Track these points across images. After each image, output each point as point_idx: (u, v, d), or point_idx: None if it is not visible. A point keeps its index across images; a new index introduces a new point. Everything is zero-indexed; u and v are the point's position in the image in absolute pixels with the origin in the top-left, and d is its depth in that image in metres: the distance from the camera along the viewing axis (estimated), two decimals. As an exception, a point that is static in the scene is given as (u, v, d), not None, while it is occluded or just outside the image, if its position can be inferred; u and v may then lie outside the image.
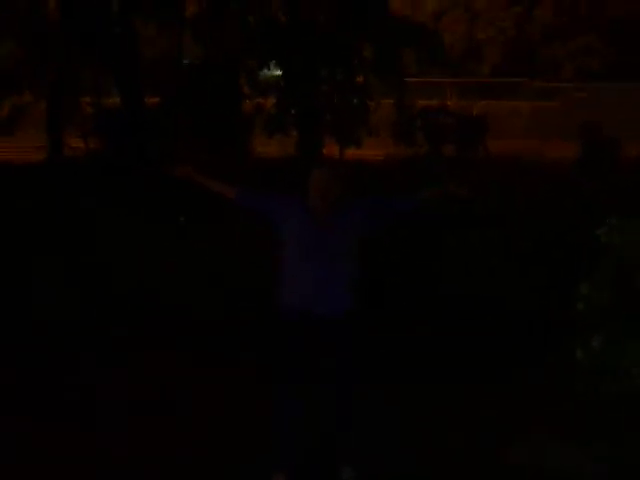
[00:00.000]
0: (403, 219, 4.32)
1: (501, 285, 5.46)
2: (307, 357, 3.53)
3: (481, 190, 6.72)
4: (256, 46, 12.13)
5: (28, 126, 13.38)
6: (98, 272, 6.25)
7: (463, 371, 4.85)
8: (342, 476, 3.57)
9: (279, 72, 12.54)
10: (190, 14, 13.27)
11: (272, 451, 3.59)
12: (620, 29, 24.96)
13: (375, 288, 5.39)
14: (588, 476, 3.67)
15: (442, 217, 5.77)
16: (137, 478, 3.71)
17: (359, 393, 3.65)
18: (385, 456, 3.85)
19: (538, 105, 20.21)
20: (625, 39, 24.33)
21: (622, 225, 3.92)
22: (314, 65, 11.28)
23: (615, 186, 7.25)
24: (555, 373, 4.19)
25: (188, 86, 11.56)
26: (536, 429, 4.13)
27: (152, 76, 12.99)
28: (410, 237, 5.84)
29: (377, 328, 5.08)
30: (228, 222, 7.03)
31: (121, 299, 5.97)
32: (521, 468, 3.79)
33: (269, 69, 12.27)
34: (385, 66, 11.79)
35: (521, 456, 3.92)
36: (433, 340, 5.18)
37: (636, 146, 13.87)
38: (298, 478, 3.56)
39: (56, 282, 6.09)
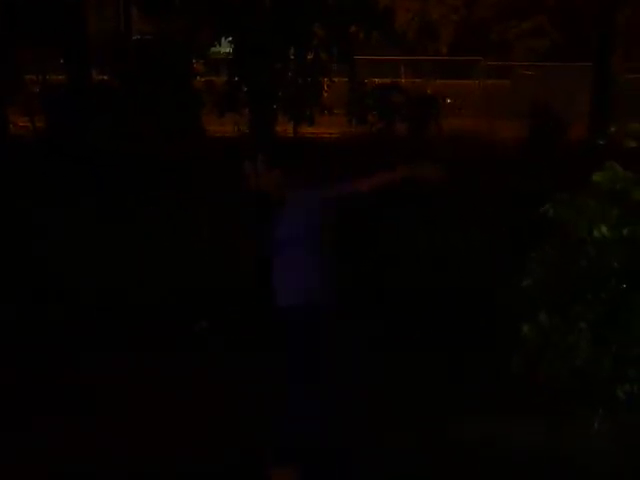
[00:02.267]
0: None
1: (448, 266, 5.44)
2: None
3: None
4: (207, 22, 11.80)
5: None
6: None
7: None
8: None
9: (230, 49, 12.24)
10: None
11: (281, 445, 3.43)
12: (569, 10, 25.28)
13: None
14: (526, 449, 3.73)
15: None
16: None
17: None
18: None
19: (490, 84, 20.31)
20: (574, 21, 24.65)
21: (568, 200, 3.90)
22: (266, 42, 11.02)
23: (559, 165, 7.31)
24: (502, 350, 4.18)
25: (138, 63, 11.19)
26: (484, 405, 4.15)
27: (100, 53, 12.59)
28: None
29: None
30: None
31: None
32: (469, 442, 3.81)
33: (220, 45, 11.93)
34: (335, 43, 11.60)
35: (469, 431, 3.94)
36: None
37: (581, 126, 14.09)
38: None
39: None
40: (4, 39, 12.02)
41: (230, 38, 11.90)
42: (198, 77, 11.64)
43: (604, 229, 3.64)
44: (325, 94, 11.83)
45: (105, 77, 12.31)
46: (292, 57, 11.48)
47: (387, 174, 3.41)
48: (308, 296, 3.36)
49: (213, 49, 11.86)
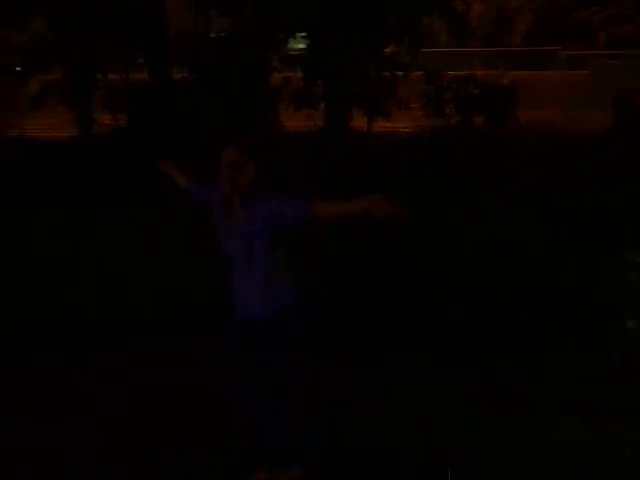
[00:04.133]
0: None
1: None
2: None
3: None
4: (282, 18, 11.94)
5: (58, 103, 13.39)
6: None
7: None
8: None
9: (305, 45, 12.35)
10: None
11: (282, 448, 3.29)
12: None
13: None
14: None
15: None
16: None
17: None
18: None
19: (569, 74, 19.66)
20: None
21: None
22: (340, 36, 11.06)
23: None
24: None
25: (215, 60, 11.44)
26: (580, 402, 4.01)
27: (180, 51, 12.92)
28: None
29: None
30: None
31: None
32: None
33: (295, 38, 12.06)
34: (408, 35, 11.52)
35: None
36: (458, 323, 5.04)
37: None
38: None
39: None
40: (90, 39, 12.53)
41: (304, 34, 12.04)
42: (275, 73, 11.82)
43: None
44: (401, 88, 11.78)
45: (185, 74, 12.63)
46: (367, 51, 11.50)
47: (351, 206, 2.96)
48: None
49: (288, 45, 12.00)
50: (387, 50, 11.88)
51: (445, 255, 5.59)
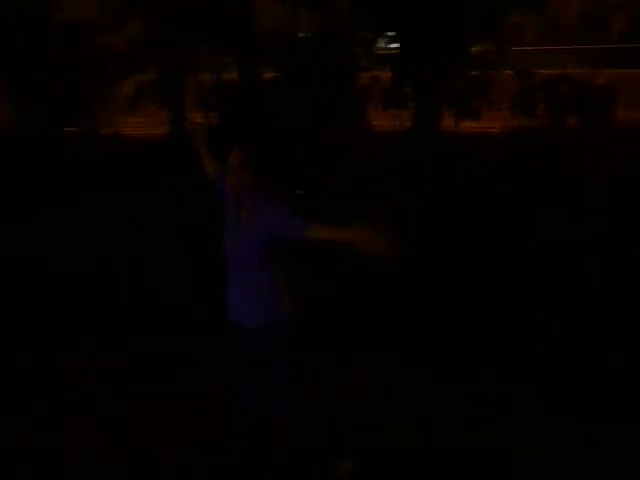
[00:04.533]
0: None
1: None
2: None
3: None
4: (372, 16, 11.92)
5: (151, 102, 13.86)
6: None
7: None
8: None
9: (395, 44, 12.28)
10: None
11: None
12: None
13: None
14: None
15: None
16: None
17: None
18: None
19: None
20: None
21: None
22: (429, 34, 10.94)
23: None
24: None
25: (304, 60, 11.54)
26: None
27: (269, 51, 13.13)
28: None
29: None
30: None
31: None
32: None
33: (384, 37, 12.01)
34: (499, 34, 11.25)
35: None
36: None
37: None
38: None
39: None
40: (182, 40, 12.90)
41: (393, 32, 11.97)
42: (364, 72, 11.81)
43: None
44: (491, 87, 11.53)
45: (274, 73, 12.82)
46: (458, 49, 11.31)
47: (339, 234, 2.86)
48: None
49: (378, 44, 11.96)
50: (477, 49, 11.66)
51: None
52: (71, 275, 6.14)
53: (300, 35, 13.23)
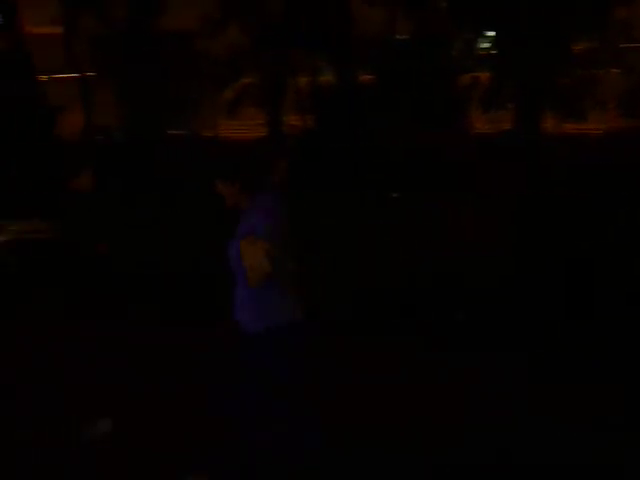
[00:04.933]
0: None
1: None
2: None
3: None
4: (471, 16, 11.72)
5: (250, 106, 14.22)
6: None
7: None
8: None
9: (494, 44, 12.01)
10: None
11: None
12: None
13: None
14: None
15: None
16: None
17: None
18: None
19: None
20: None
21: None
22: (531, 33, 10.63)
23: None
24: None
25: (401, 61, 11.50)
26: None
27: (365, 53, 13.18)
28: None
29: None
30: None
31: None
32: None
33: (483, 36, 11.77)
34: (608, 28, 10.77)
35: None
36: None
37: None
38: None
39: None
40: (281, 45, 13.16)
41: (493, 32, 11.72)
42: (463, 73, 11.62)
43: None
44: (597, 87, 11.07)
45: (370, 76, 12.84)
46: (561, 48, 10.93)
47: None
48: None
49: (477, 44, 11.75)
50: (581, 47, 11.23)
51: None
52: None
53: (397, 37, 13.19)
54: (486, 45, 12.08)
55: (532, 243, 6.40)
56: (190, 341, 4.88)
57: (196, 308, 5.59)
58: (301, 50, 13.53)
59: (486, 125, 11.83)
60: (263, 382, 3.02)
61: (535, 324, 4.97)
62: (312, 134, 11.66)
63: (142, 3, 13.62)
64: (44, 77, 12.57)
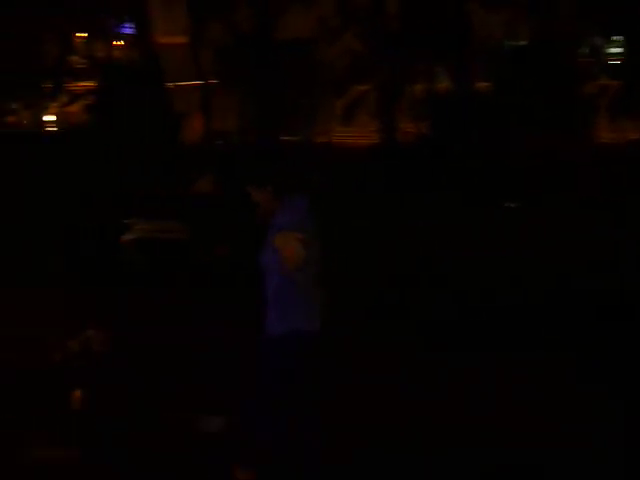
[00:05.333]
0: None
1: None
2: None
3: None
4: (596, 20, 11.25)
5: (365, 113, 14.33)
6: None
7: None
8: None
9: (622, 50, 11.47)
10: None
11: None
12: None
13: None
14: None
15: None
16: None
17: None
18: None
19: None
20: None
21: None
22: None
23: None
24: None
25: (523, 67, 11.19)
26: None
27: (483, 60, 12.93)
28: None
29: None
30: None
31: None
32: None
33: (611, 41, 11.25)
34: None
35: None
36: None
37: None
38: None
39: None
40: (398, 52, 13.15)
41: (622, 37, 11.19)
42: (591, 80, 11.16)
43: None
44: None
45: (488, 82, 12.59)
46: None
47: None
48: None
49: (606, 49, 11.24)
50: None
51: None
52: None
53: (518, 43, 12.87)
54: (615, 50, 11.54)
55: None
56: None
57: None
58: (418, 56, 13.47)
59: (611, 134, 11.30)
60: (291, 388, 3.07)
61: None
62: (427, 141, 11.57)
63: (265, 12, 14.05)
64: (170, 84, 13.22)
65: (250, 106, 13.92)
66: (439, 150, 10.86)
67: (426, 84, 13.19)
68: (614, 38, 11.51)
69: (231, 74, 14.38)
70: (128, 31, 17.08)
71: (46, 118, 15.18)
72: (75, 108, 15.73)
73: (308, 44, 15.16)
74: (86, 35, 17.66)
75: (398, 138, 12.85)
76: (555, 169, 9.15)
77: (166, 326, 5.62)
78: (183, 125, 13.22)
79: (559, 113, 10.16)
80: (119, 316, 5.78)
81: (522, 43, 13.02)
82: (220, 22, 14.62)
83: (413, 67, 13.54)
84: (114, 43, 18.53)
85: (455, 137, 10.79)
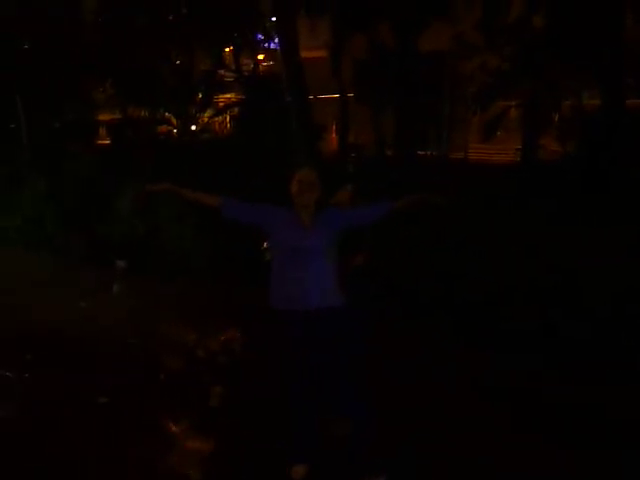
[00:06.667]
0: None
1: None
2: (306, 352, 3.51)
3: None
4: None
5: (510, 129, 14.00)
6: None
7: None
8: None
9: None
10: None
11: (291, 444, 3.62)
12: None
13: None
14: None
15: None
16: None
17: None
18: None
19: None
20: None
21: None
22: None
23: None
24: None
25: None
26: None
27: (634, 75, 12.22)
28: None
29: None
30: None
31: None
32: None
33: None
34: None
35: None
36: None
37: None
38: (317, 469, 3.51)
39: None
40: (542, 69, 12.68)
41: None
42: None
43: None
44: None
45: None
46: None
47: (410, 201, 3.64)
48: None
49: None
50: None
51: None
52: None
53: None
54: None
55: None
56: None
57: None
58: (565, 71, 12.96)
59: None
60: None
61: None
62: (572, 160, 11.06)
63: (405, 27, 14.12)
64: (311, 97, 13.58)
65: (386, 120, 14.01)
66: (582, 168, 10.36)
67: (574, 101, 12.66)
68: None
69: (370, 87, 14.57)
70: (273, 46, 17.78)
71: (194, 127, 16.11)
72: (221, 119, 16.57)
73: (447, 58, 15.06)
74: (232, 49, 18.54)
75: (541, 156, 12.41)
76: None
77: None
78: (322, 137, 13.54)
79: None
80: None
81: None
82: (361, 36, 14.87)
83: (559, 82, 13.04)
84: (259, 57, 19.38)
85: (600, 158, 10.25)
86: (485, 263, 6.43)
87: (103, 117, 16.16)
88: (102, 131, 15.93)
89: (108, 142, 15.46)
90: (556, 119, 12.64)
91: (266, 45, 18.72)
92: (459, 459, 3.77)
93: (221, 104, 16.92)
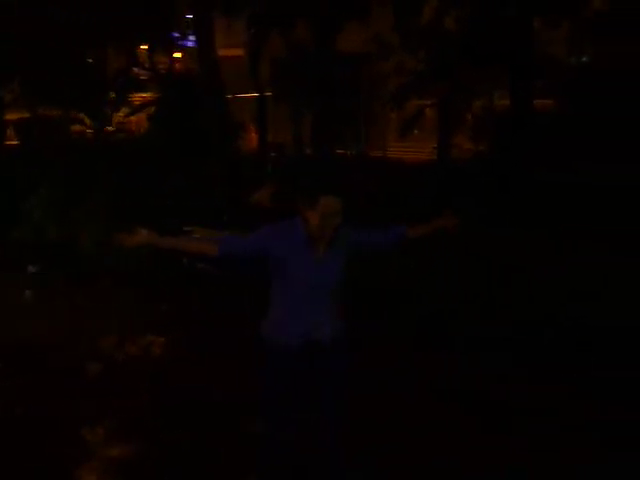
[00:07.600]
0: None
1: None
2: (299, 385, 3.30)
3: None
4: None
5: (427, 128, 14.34)
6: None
7: None
8: None
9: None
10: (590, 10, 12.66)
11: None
12: None
13: None
14: None
15: None
16: None
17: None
18: None
19: None
20: None
21: None
22: None
23: None
24: None
25: (591, 87, 11.00)
26: None
27: (543, 77, 12.77)
28: None
29: None
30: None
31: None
32: None
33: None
34: None
35: None
36: None
37: None
38: None
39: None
40: (456, 70, 13.09)
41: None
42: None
43: None
44: None
45: (549, 101, 12.41)
46: None
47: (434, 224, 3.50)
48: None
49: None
50: None
51: None
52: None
53: (583, 59, 12.68)
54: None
55: None
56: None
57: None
58: (477, 72, 13.40)
59: None
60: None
61: None
62: (484, 160, 11.47)
63: (322, 27, 14.23)
64: (229, 96, 13.49)
65: (305, 119, 14.06)
66: (494, 169, 10.74)
67: (486, 101, 13.12)
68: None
69: (288, 86, 14.60)
70: (189, 44, 17.54)
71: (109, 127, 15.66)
72: (136, 118, 16.21)
73: (364, 59, 15.29)
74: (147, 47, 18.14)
75: (455, 155, 12.80)
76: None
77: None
78: (240, 136, 13.47)
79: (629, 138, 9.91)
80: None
81: (590, 60, 12.82)
82: (278, 36, 14.88)
83: (472, 83, 13.49)
84: (176, 55, 19.05)
85: (514, 156, 10.66)
86: (435, 270, 6.40)
87: (10, 116, 15.50)
88: (10, 132, 15.29)
89: (16, 143, 14.85)
90: (469, 118, 13.03)
91: (182, 43, 18.42)
92: (426, 462, 3.72)
93: (137, 103, 16.54)
